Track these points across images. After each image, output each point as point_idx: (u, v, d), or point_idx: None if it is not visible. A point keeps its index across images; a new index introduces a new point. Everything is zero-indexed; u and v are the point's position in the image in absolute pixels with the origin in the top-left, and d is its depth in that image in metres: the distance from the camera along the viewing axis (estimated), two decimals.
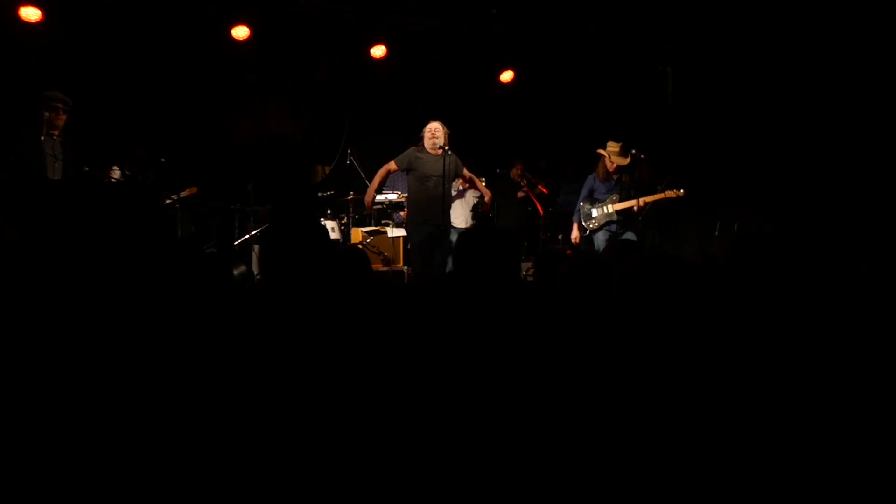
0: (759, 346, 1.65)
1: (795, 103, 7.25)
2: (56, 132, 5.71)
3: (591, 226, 6.85)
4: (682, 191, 6.59)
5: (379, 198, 7.95)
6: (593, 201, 6.89)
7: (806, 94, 7.16)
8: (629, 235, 6.67)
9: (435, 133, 5.98)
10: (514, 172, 8.95)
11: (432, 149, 6.01)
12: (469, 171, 6.40)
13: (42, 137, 5.60)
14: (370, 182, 8.22)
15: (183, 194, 7.17)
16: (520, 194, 8.99)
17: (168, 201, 7.08)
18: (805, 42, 7.07)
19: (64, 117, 5.72)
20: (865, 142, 6.61)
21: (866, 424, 1.41)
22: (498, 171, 8.90)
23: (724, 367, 1.54)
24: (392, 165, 6.15)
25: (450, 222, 6.13)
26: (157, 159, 7.23)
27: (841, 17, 6.64)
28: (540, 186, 8.91)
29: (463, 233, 2.58)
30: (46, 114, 5.62)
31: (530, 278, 7.12)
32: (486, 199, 6.46)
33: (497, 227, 2.75)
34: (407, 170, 6.09)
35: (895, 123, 6.39)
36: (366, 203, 6.34)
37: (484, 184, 6.82)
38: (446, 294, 2.14)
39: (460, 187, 7.66)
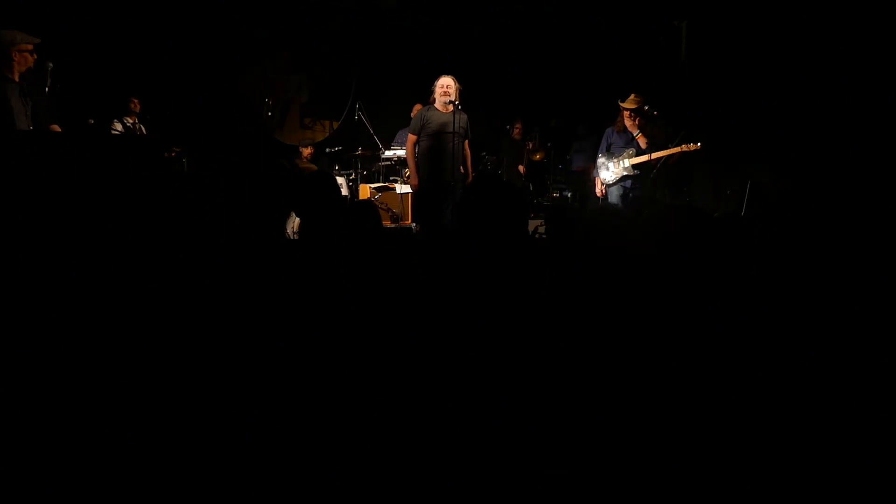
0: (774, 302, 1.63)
1: (809, 59, 7.11)
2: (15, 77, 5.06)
3: (607, 181, 6.81)
4: (699, 143, 6.49)
5: (388, 153, 7.90)
6: (610, 155, 6.83)
7: (820, 50, 7.02)
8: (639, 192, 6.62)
9: (447, 90, 5.88)
10: (515, 132, 8.87)
11: (442, 105, 5.91)
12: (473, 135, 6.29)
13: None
14: (377, 137, 8.25)
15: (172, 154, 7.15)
16: (521, 168, 8.89)
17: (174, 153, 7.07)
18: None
19: (33, 59, 5.11)
20: (883, 97, 6.49)
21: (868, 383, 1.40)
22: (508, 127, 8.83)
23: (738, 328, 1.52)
24: (412, 137, 6.05)
25: (460, 179, 6.06)
26: (152, 112, 7.20)
27: None
28: (537, 156, 8.82)
29: (467, 187, 2.52)
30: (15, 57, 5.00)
31: (540, 236, 7.12)
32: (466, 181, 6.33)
33: (502, 181, 2.66)
34: (420, 129, 6.00)
35: None
36: (412, 187, 6.22)
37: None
38: (453, 250, 2.12)
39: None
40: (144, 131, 7.19)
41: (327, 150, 8.82)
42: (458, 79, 5.98)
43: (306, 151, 8.86)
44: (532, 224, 7.35)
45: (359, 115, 8.44)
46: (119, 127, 6.95)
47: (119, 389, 1.61)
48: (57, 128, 5.20)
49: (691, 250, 1.49)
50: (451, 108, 5.83)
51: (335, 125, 9.76)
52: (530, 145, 8.90)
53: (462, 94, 5.95)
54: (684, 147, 6.52)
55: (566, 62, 9.56)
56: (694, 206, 1.57)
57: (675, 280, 1.49)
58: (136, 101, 7.15)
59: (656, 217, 1.54)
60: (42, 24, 6.88)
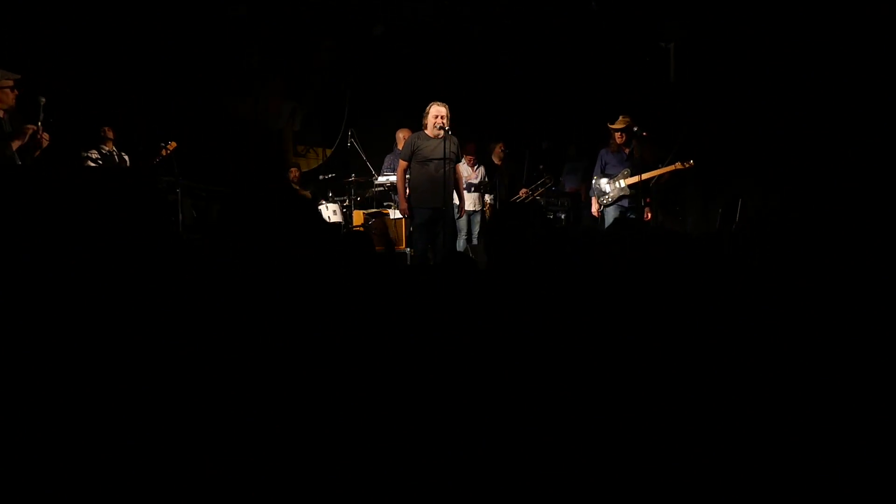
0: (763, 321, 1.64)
1: (796, 77, 7.18)
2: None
3: (604, 201, 6.85)
4: (691, 161, 6.55)
5: (381, 179, 7.94)
6: (605, 176, 6.88)
7: (807, 68, 7.09)
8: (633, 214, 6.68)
9: (441, 119, 5.93)
10: (496, 152, 8.80)
11: (433, 131, 5.97)
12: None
13: None
14: (370, 163, 8.29)
15: (167, 150, 7.10)
16: (522, 192, 8.86)
17: (155, 161, 7.04)
18: (805, 18, 6.99)
19: (14, 94, 5.28)
20: (870, 118, 6.55)
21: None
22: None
23: (723, 347, 1.53)
24: (403, 163, 6.12)
25: (452, 204, 6.09)
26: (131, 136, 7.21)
27: None
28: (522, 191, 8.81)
29: (493, 220, 2.51)
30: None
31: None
32: (459, 210, 6.36)
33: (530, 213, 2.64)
34: (410, 156, 6.05)
35: None
36: (402, 212, 6.27)
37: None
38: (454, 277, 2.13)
39: (473, 179, 7.74)
40: (126, 158, 7.18)
41: (321, 177, 8.86)
42: (449, 103, 6.04)
43: (293, 174, 8.87)
44: None
45: (351, 142, 8.49)
46: (95, 155, 6.93)
47: (118, 391, 1.62)
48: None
49: (669, 273, 1.51)
50: (441, 133, 5.88)
51: (328, 152, 9.81)
52: (522, 193, 8.85)
53: (451, 116, 6.01)
54: (678, 165, 6.58)
55: (556, 83, 9.64)
56: (672, 230, 1.59)
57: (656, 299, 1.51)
58: (108, 129, 7.07)
59: (638, 240, 1.55)
60: (34, 58, 6.96)
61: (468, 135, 7.40)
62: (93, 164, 6.79)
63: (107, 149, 7.05)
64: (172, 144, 7.10)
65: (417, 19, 8.81)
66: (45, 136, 5.31)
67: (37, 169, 4.98)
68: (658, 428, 1.44)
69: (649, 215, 6.69)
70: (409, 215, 6.10)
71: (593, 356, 1.62)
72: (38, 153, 5.31)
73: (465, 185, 7.60)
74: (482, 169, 8.12)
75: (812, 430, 1.41)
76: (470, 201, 7.47)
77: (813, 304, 1.75)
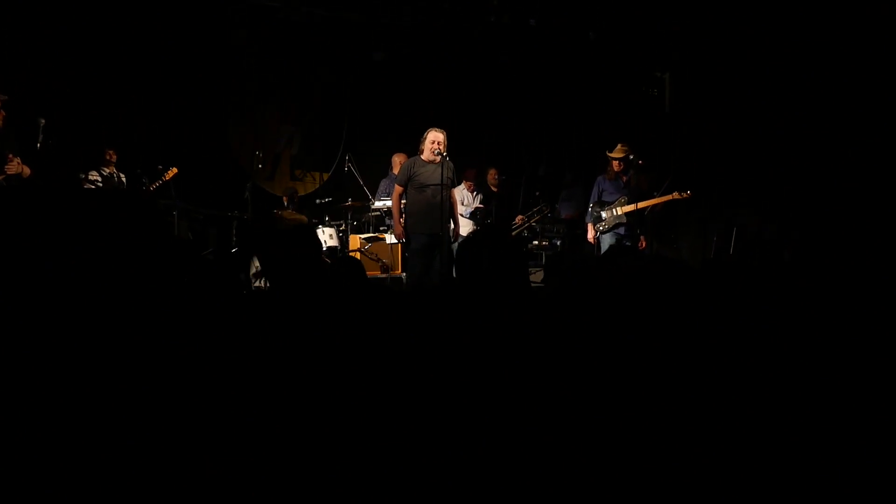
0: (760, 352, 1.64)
1: (790, 108, 7.26)
2: None
3: (600, 228, 6.88)
4: (688, 192, 6.59)
5: (378, 204, 7.97)
6: (602, 204, 6.91)
7: (800, 98, 7.18)
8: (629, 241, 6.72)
9: (439, 146, 5.94)
10: (490, 178, 8.82)
11: (430, 157, 5.99)
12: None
13: None
14: (367, 188, 8.32)
15: (167, 177, 7.13)
16: (519, 219, 8.88)
17: (154, 186, 7.06)
18: (799, 47, 7.09)
19: (2, 114, 5.28)
20: (861, 143, 6.62)
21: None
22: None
23: (719, 373, 1.53)
24: (398, 188, 6.14)
25: (449, 230, 6.10)
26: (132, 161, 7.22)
27: (834, 20, 6.65)
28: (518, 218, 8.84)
29: (464, 239, 2.53)
30: None
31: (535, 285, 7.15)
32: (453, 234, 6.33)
33: (501, 233, 2.67)
34: (406, 181, 6.07)
35: (891, 125, 6.39)
36: (397, 237, 6.28)
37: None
38: (451, 302, 2.13)
39: (474, 206, 7.80)
40: (124, 179, 7.19)
41: (317, 201, 8.88)
42: (447, 129, 6.07)
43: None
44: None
45: (348, 167, 8.52)
46: (95, 176, 6.95)
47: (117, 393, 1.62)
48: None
49: (668, 305, 1.51)
50: (438, 158, 5.90)
51: (325, 176, 9.84)
52: (519, 220, 8.88)
53: (449, 142, 6.04)
54: (675, 195, 6.62)
55: (552, 111, 9.72)
56: (670, 258, 1.59)
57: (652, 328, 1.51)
58: (111, 152, 7.11)
59: (634, 268, 1.56)
60: (34, 79, 7.01)
61: (464, 161, 7.45)
62: (92, 186, 6.80)
63: (108, 171, 7.07)
64: (173, 171, 7.13)
65: (415, 45, 8.90)
66: (15, 162, 5.26)
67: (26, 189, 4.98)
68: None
69: (644, 243, 6.72)
70: (405, 240, 6.11)
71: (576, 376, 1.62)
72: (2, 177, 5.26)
73: (467, 212, 7.64)
74: (481, 196, 8.16)
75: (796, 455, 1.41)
76: (467, 227, 7.49)
77: (811, 325, 1.75)
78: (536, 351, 1.70)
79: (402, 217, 6.12)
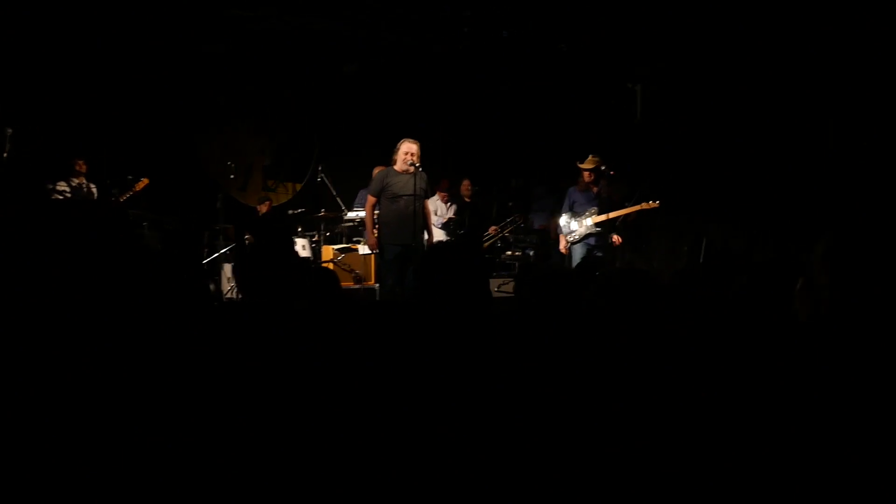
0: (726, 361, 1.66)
1: (761, 121, 7.38)
2: None
3: (572, 238, 6.93)
4: (657, 202, 6.68)
5: (351, 215, 7.95)
6: (573, 214, 6.97)
7: (770, 110, 7.30)
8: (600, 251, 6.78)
9: (411, 156, 5.93)
10: (463, 189, 8.86)
11: (404, 168, 5.98)
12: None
13: None
14: (340, 199, 8.30)
15: (137, 188, 7.05)
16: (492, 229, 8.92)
17: (124, 198, 6.98)
18: (769, 59, 7.21)
19: None
20: (834, 153, 6.74)
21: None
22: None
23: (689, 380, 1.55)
24: (371, 199, 6.11)
25: (422, 241, 6.09)
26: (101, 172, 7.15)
27: (805, 30, 6.78)
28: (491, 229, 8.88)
29: (426, 251, 2.54)
30: None
31: (500, 294, 7.18)
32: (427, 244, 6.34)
33: (463, 242, 2.70)
34: (380, 192, 6.05)
35: (865, 134, 6.52)
36: (371, 247, 6.21)
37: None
38: (415, 312, 2.13)
39: (447, 216, 7.82)
40: (94, 190, 7.10)
41: (290, 211, 8.84)
42: (420, 140, 6.08)
43: (263, 208, 8.85)
44: (494, 283, 7.41)
45: (321, 178, 8.50)
46: (64, 187, 6.85)
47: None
48: None
49: (638, 315, 1.53)
50: (412, 169, 5.90)
51: (297, 187, 9.81)
52: (492, 231, 8.92)
53: (422, 153, 6.04)
54: (644, 205, 6.70)
55: (524, 122, 9.79)
56: (641, 270, 1.61)
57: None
58: (80, 162, 7.02)
59: (607, 280, 1.58)
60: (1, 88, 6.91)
61: (438, 172, 7.47)
62: (60, 197, 6.70)
63: (77, 181, 6.97)
64: (144, 181, 7.05)
65: (388, 56, 8.91)
66: None
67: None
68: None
69: (618, 240, 6.80)
70: (379, 251, 6.09)
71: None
72: None
73: (440, 223, 7.65)
74: (454, 206, 8.18)
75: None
76: (440, 237, 7.50)
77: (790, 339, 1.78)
78: (495, 361, 1.71)
79: (375, 228, 6.10)
